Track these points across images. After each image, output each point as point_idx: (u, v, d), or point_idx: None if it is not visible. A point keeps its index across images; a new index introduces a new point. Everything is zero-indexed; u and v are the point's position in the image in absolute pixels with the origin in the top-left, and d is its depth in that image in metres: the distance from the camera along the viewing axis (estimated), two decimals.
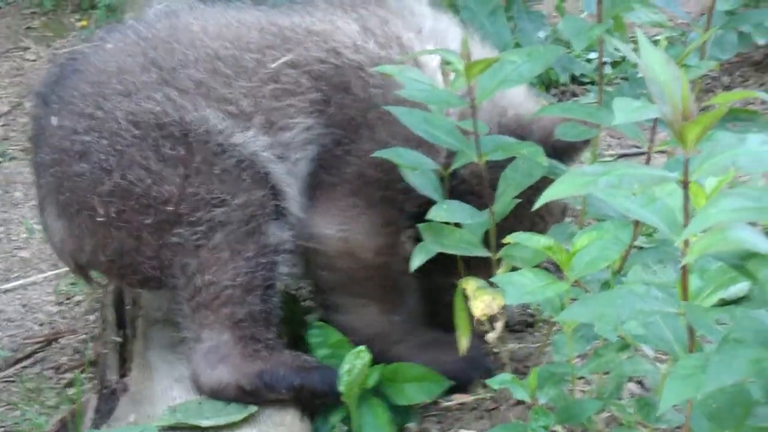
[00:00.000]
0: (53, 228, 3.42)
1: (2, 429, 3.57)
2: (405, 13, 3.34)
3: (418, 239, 3.41)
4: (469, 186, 3.18)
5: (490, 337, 3.04)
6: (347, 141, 3.27)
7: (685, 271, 2.16)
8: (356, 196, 3.27)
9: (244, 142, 3.24)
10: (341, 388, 3.12)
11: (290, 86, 3.27)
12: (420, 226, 3.17)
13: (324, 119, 3.26)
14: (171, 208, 3.19)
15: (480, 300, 2.99)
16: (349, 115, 3.24)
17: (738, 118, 2.82)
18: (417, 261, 3.16)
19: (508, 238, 2.81)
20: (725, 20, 3.28)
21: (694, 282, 2.25)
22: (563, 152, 3.26)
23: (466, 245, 3.06)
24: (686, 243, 1.99)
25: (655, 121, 2.78)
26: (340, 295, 3.28)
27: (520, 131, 3.15)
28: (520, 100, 3.37)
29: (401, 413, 3.36)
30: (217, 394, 3.24)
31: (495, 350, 3.38)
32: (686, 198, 2.05)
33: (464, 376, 3.36)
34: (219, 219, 3.25)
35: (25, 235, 4.78)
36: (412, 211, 3.34)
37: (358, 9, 3.41)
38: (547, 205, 2.27)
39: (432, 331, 3.50)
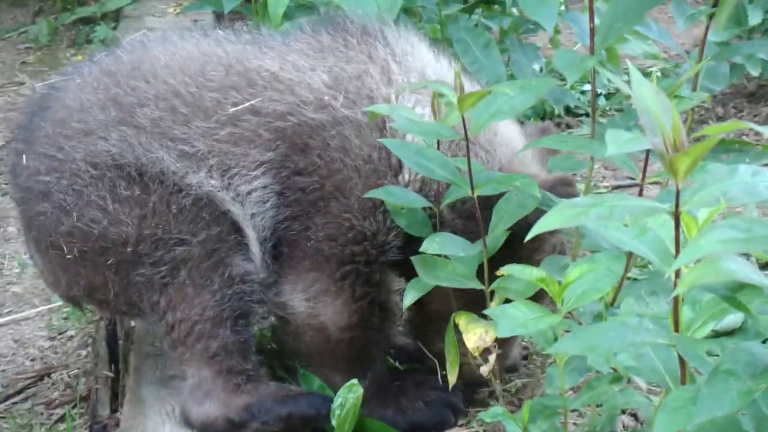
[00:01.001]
0: (36, 261, 3.50)
1: None
2: (389, 61, 3.29)
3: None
4: (454, 222, 3.16)
5: (484, 369, 3.04)
6: (302, 216, 3.24)
7: (676, 303, 2.17)
8: (318, 272, 3.27)
9: (198, 183, 3.22)
10: (332, 421, 3.10)
11: (249, 134, 3.24)
12: (413, 258, 3.16)
13: (279, 183, 3.24)
14: (130, 249, 3.23)
15: (473, 333, 3.01)
16: (304, 183, 3.19)
17: (731, 149, 2.84)
18: (410, 297, 3.23)
19: (501, 270, 2.82)
20: (717, 52, 3.29)
21: (686, 313, 2.29)
22: None
23: (459, 278, 3.04)
24: (677, 274, 2.00)
25: (648, 152, 2.78)
26: (307, 362, 3.28)
27: None
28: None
29: None
30: (207, 428, 3.28)
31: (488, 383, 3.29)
32: (677, 229, 2.07)
33: (433, 420, 3.42)
34: (180, 257, 3.27)
35: (17, 270, 4.79)
36: (374, 281, 3.32)
37: (338, 53, 3.34)
38: (540, 239, 2.27)
39: (396, 379, 3.54)
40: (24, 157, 3.32)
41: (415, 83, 3.18)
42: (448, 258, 3.14)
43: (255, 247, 3.29)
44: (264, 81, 3.23)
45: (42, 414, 3.86)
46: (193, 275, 3.22)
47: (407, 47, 3.30)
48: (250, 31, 3.55)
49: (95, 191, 3.18)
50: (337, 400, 3.14)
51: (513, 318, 2.63)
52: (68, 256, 3.24)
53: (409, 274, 3.05)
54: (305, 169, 3.19)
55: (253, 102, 3.11)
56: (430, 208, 3.15)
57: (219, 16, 5.89)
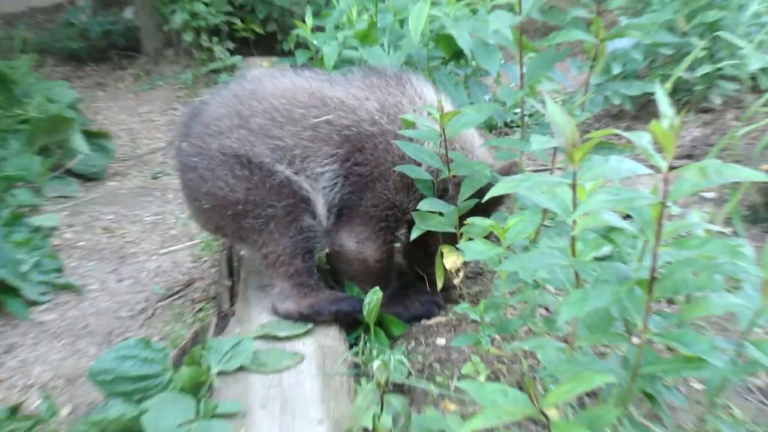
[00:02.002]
0: (187, 205, 3.69)
1: (159, 337, 3.74)
2: (415, 97, 3.52)
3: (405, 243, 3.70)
4: (446, 191, 3.40)
5: (456, 281, 3.15)
6: (358, 191, 3.45)
7: (573, 240, 2.26)
8: (364, 225, 3.48)
9: (282, 169, 3.41)
10: (364, 313, 3.28)
11: (324, 136, 3.43)
12: (414, 213, 3.32)
13: (344, 169, 3.43)
14: (240, 207, 3.45)
15: (450, 258, 3.15)
16: (361, 171, 3.43)
17: (604, 147, 2.96)
18: (414, 234, 3.31)
19: (468, 221, 2.95)
20: (595, 89, 3.43)
21: (579, 246, 2.34)
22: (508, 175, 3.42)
23: (442, 225, 3.21)
24: (574, 222, 2.09)
25: (555, 149, 2.89)
26: (351, 278, 3.55)
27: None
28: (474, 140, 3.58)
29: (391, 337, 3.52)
30: (287, 317, 3.43)
31: (459, 288, 3.47)
32: (574, 195, 2.13)
33: (425, 312, 3.62)
34: (270, 215, 3.45)
35: (173, 221, 4.92)
36: (398, 233, 3.56)
37: (382, 90, 3.53)
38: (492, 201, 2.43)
39: (402, 288, 3.73)
40: (183, 144, 3.52)
41: (420, 107, 3.38)
42: (436, 213, 3.24)
43: (321, 210, 3.48)
44: (334, 104, 3.46)
45: (189, 307, 4.01)
46: (278, 226, 3.46)
47: (422, 87, 3.54)
48: (324, 73, 3.73)
49: (221, 170, 3.44)
50: (366, 300, 3.28)
51: (474, 249, 2.67)
52: (204, 206, 3.50)
53: (411, 227, 3.24)
54: (361, 162, 3.43)
55: (328, 117, 3.32)
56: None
57: (296, 67, 5.95)
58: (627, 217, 2.18)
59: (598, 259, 2.54)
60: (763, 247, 2.14)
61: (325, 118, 3.42)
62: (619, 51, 5.49)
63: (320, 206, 3.55)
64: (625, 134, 2.01)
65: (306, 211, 3.52)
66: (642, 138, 1.96)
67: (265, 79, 3.65)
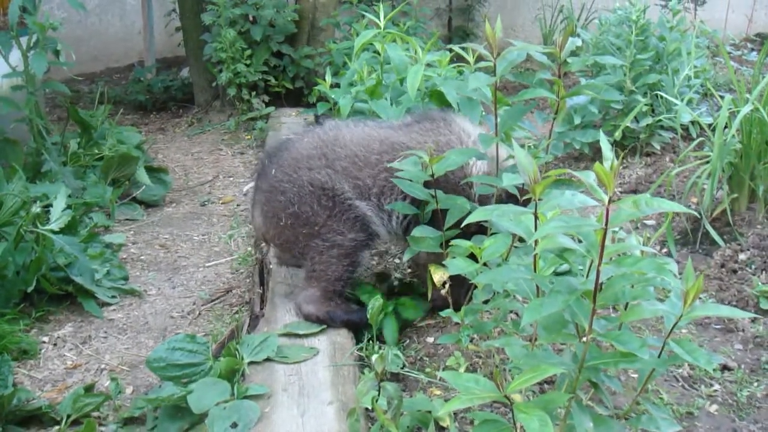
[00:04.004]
0: (256, 218, 3.67)
1: (204, 333, 3.74)
2: (461, 134, 3.52)
3: None
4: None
5: (443, 292, 3.14)
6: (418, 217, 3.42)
7: (535, 258, 2.28)
8: None
9: (360, 206, 3.41)
10: (368, 315, 3.24)
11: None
12: (409, 237, 3.33)
13: (409, 200, 3.40)
14: (316, 229, 3.41)
15: (437, 273, 3.13)
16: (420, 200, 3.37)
17: (564, 183, 2.95)
18: (406, 256, 3.39)
19: (452, 243, 2.95)
20: (558, 136, 3.44)
21: (540, 263, 2.34)
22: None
23: (431, 247, 3.21)
24: (536, 243, 2.09)
25: (523, 183, 2.86)
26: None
27: None
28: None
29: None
30: (307, 319, 3.41)
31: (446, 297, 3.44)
32: (536, 221, 2.19)
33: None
34: (338, 242, 3.39)
35: (217, 240, 4.92)
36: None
37: (435, 132, 3.49)
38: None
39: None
40: (273, 170, 3.52)
41: (467, 140, 3.41)
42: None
43: (385, 238, 3.55)
44: (401, 147, 3.42)
45: (227, 309, 4.00)
46: (339, 253, 3.41)
47: (465, 124, 3.53)
48: (390, 122, 3.73)
49: (309, 198, 3.41)
50: (370, 304, 3.24)
51: (457, 266, 2.72)
52: (282, 223, 3.46)
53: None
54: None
55: (398, 159, 3.30)
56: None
57: (316, 116, 5.97)
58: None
59: (559, 273, 2.55)
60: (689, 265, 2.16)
61: (397, 161, 3.32)
62: (578, 105, 5.52)
63: (384, 236, 3.55)
64: (575, 173, 2.07)
65: (367, 248, 3.51)
66: (588, 176, 1.99)
67: (344, 128, 3.63)
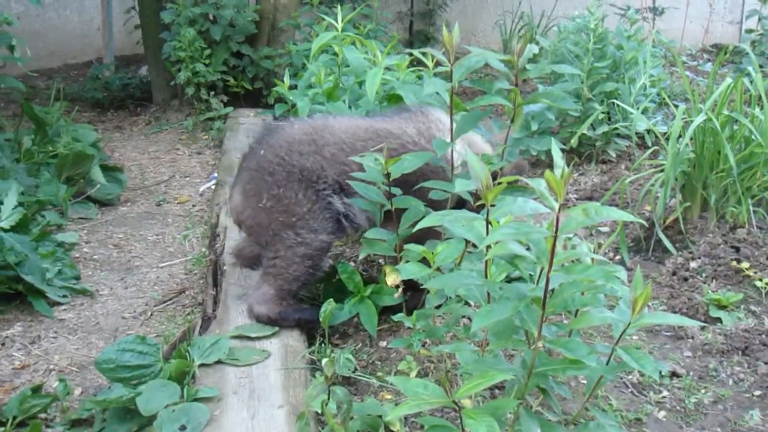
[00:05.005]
0: (235, 197, 3.57)
1: (156, 334, 3.70)
2: (438, 123, 3.51)
3: None
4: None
5: (396, 295, 3.17)
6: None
7: (486, 263, 2.31)
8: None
9: (338, 204, 3.42)
10: (320, 318, 3.15)
11: None
12: (362, 239, 3.32)
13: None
14: (293, 220, 3.36)
15: (390, 276, 3.15)
16: (407, 178, 3.27)
17: (518, 190, 2.97)
18: (361, 256, 3.40)
19: (405, 247, 2.93)
20: (514, 142, 3.44)
21: (492, 269, 2.37)
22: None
23: (385, 250, 3.21)
24: (488, 249, 2.11)
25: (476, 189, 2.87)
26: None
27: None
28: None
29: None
30: (258, 320, 3.38)
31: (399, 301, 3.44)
32: (487, 227, 2.20)
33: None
34: (307, 241, 3.36)
35: (171, 240, 4.87)
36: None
37: (415, 120, 3.51)
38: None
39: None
40: (262, 151, 3.48)
41: (443, 129, 3.44)
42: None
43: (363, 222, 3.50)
44: (384, 134, 3.43)
45: (180, 311, 3.95)
46: (304, 253, 3.37)
47: (440, 115, 3.52)
48: (374, 114, 3.73)
49: (296, 185, 3.37)
50: (323, 308, 3.14)
51: (409, 270, 2.72)
52: (260, 204, 3.39)
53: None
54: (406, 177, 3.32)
55: (382, 145, 3.26)
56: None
57: (275, 118, 5.95)
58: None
59: (513, 279, 2.60)
60: (643, 272, 2.18)
61: (380, 146, 3.27)
62: (535, 112, 5.55)
63: (362, 220, 3.50)
64: (526, 180, 2.07)
65: (327, 256, 3.49)
66: (539, 184, 2.00)
67: (332, 119, 3.62)
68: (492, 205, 2.12)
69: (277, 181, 3.41)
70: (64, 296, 4.09)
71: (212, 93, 7.27)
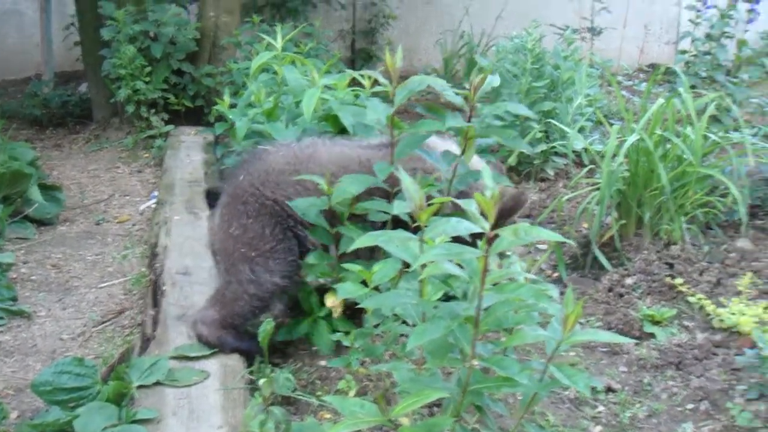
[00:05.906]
0: (215, 219, 3.47)
1: (94, 356, 3.67)
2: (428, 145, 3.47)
3: None
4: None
5: (335, 315, 3.18)
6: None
7: (422, 283, 2.35)
8: None
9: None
10: (260, 339, 3.10)
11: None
12: (303, 263, 3.33)
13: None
14: (252, 255, 3.28)
15: (329, 298, 3.16)
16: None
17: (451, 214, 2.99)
18: (309, 278, 3.41)
19: (344, 266, 2.98)
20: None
21: (427, 288, 2.41)
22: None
23: (326, 274, 3.25)
24: (423, 267, 2.10)
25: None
26: None
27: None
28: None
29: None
30: (198, 339, 3.34)
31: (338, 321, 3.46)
32: (422, 247, 2.21)
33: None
34: (261, 281, 3.28)
35: (111, 260, 4.83)
36: None
37: (384, 147, 3.48)
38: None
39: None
40: (241, 177, 3.38)
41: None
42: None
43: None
44: (362, 160, 3.35)
45: (119, 332, 3.93)
46: (254, 293, 3.30)
47: (431, 140, 3.46)
48: (365, 141, 3.67)
49: (266, 218, 3.28)
50: (261, 328, 3.08)
51: (347, 290, 2.77)
52: (231, 231, 3.28)
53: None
54: None
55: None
56: None
57: (216, 137, 5.97)
58: None
59: (450, 298, 2.64)
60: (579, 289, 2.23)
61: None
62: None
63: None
64: (458, 201, 2.11)
65: (280, 300, 3.49)
66: (470, 204, 2.04)
67: (320, 146, 3.47)
68: (426, 226, 2.16)
69: (248, 211, 3.34)
70: (0, 318, 4.05)
71: (153, 111, 7.25)
